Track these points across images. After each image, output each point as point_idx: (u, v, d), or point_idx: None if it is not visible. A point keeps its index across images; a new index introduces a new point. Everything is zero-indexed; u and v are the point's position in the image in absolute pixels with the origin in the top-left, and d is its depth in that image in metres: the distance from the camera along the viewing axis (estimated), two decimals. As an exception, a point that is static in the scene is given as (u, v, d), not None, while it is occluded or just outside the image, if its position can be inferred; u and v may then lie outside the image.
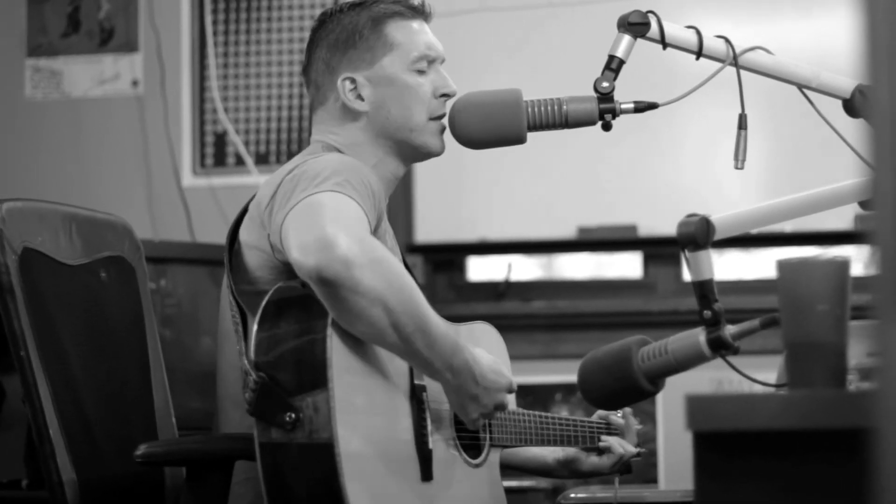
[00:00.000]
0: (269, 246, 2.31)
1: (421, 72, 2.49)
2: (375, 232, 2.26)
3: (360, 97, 2.48)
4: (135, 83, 4.53)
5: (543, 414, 2.68)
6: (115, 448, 2.49)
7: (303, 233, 2.13)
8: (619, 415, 2.84)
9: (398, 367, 2.26)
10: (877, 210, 1.03)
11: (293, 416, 2.10)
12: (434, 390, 2.33)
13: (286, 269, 2.27)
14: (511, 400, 2.62)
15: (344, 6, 2.53)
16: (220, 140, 4.49)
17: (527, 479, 3.89)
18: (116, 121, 4.53)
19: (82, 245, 2.60)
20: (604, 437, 2.80)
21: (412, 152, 2.52)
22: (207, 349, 3.75)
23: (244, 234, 2.38)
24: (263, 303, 2.19)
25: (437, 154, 2.52)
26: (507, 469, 2.68)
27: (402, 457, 2.23)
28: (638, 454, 2.81)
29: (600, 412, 2.84)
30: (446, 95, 2.50)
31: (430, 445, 2.28)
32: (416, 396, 2.30)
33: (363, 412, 2.16)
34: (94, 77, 4.55)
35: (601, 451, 2.80)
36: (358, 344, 2.17)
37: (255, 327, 2.16)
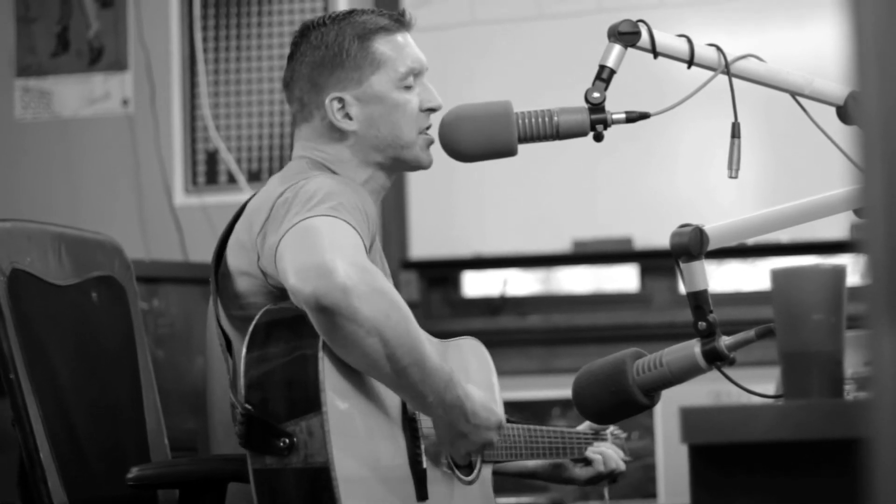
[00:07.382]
0: (261, 272, 2.28)
1: (408, 87, 2.47)
2: (368, 253, 2.22)
3: (347, 116, 2.45)
4: (125, 102, 4.51)
5: (532, 427, 2.67)
6: (107, 470, 2.47)
7: (300, 258, 2.09)
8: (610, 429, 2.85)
9: (389, 386, 2.24)
10: (867, 218, 1.01)
11: (287, 441, 2.08)
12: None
13: (281, 295, 2.24)
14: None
15: (326, 18, 2.50)
16: (212, 158, 4.47)
17: (525, 496, 3.87)
18: (107, 140, 4.52)
19: (72, 265, 2.58)
20: (591, 450, 2.82)
21: (401, 166, 2.51)
22: (201, 369, 3.71)
23: (232, 259, 2.35)
24: (251, 326, 2.16)
25: (427, 167, 2.51)
26: (498, 475, 2.67)
27: (397, 477, 2.22)
28: (619, 472, 2.83)
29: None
30: (432, 109, 2.49)
31: (424, 465, 2.26)
32: (408, 416, 2.28)
33: (357, 434, 2.14)
34: (84, 96, 4.53)
35: (588, 462, 2.80)
36: (349, 365, 2.15)
37: (243, 351, 2.13)
